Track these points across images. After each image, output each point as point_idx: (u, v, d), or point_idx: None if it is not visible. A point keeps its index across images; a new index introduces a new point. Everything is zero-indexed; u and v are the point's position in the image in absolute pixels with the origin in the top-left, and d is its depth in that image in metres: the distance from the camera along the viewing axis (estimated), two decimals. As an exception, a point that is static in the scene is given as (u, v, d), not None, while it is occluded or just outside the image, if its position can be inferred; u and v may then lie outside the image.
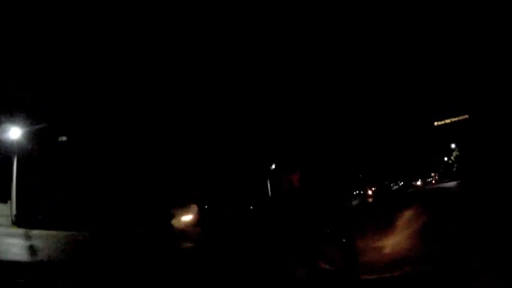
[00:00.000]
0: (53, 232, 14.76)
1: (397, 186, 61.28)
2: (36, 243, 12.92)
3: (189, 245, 13.09)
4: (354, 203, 30.06)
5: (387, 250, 10.86)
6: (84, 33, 20.24)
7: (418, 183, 49.32)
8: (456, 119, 26.75)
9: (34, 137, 19.33)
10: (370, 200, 34.25)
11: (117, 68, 20.97)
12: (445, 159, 43.89)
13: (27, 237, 14.12)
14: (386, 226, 13.40)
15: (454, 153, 35.79)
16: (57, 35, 19.93)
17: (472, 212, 13.10)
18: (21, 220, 17.43)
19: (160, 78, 21.52)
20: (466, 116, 25.25)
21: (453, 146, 35.44)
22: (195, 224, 16.74)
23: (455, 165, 35.48)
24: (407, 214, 14.92)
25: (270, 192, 23.18)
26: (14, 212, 18.17)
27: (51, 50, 20.18)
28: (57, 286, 7.08)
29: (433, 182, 49.56)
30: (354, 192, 38.83)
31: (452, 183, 31.59)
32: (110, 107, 21.19)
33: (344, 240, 12.87)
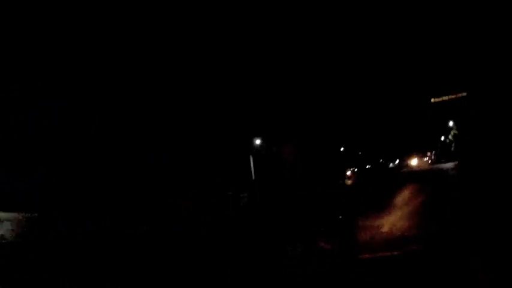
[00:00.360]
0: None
1: (392, 165, 60.83)
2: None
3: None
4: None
5: (385, 229, 10.86)
6: (84, 30, 20.10)
7: (414, 163, 47.46)
8: (454, 96, 25.79)
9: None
10: (349, 182, 32.69)
11: (115, 65, 20.88)
12: (442, 138, 41.71)
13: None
14: (383, 206, 13.38)
15: (452, 132, 34.36)
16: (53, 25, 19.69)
17: (470, 198, 12.99)
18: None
19: (159, 77, 21.43)
20: (464, 94, 24.40)
21: (451, 124, 33.92)
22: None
23: (453, 144, 34.10)
24: (404, 194, 14.90)
25: (253, 174, 22.38)
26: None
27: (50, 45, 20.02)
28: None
29: (430, 162, 47.53)
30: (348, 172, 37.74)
31: (450, 164, 30.70)
32: (110, 106, 21.15)
33: (341, 217, 12.83)
